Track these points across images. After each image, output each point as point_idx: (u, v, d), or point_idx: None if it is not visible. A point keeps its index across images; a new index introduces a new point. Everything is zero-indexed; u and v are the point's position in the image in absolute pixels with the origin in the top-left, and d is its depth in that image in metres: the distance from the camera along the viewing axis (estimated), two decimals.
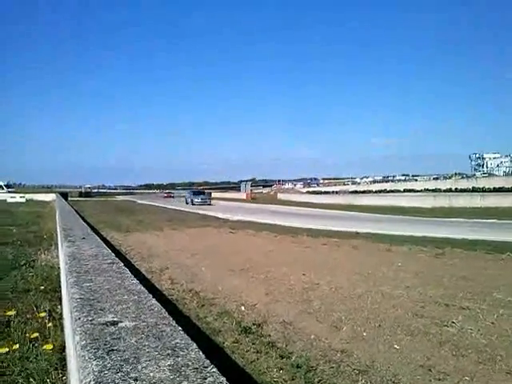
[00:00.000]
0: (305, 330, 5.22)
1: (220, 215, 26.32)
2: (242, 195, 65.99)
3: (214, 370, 1.50)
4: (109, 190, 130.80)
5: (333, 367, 4.12)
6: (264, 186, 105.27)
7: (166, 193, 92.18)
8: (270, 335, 5.03)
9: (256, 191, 75.38)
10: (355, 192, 76.81)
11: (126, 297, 2.41)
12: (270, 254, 11.36)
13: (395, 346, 4.67)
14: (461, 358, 4.36)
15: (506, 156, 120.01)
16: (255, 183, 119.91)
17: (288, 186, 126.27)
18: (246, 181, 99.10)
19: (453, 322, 5.39)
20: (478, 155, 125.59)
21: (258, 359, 4.31)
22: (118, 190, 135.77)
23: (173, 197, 78.87)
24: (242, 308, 6.13)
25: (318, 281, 7.86)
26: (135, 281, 2.79)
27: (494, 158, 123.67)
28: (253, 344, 4.70)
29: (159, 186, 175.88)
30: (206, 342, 4.69)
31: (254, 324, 5.40)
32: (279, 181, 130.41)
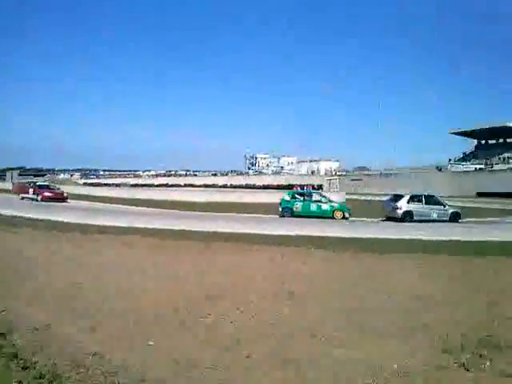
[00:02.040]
0: (57, 334, 4.85)
1: None
2: (8, 186, 57.57)
3: None
4: None
5: (81, 372, 3.91)
6: (35, 176, 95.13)
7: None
8: (14, 345, 4.50)
9: (25, 181, 67.25)
10: (136, 185, 76.21)
11: None
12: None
13: (150, 342, 4.71)
14: (209, 348, 4.62)
15: (275, 157, 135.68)
16: (25, 171, 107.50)
17: (63, 176, 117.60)
18: (13, 169, 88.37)
19: (209, 314, 5.70)
20: (251, 154, 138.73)
21: None
22: None
23: (63, 198, 34.31)
24: None
25: (83, 280, 7.47)
26: None
27: (265, 158, 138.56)
28: None
29: None
30: None
31: None
32: (53, 170, 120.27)
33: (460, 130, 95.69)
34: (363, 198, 50.25)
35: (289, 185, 67.68)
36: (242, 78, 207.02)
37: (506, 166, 73.14)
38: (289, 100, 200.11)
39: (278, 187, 79.63)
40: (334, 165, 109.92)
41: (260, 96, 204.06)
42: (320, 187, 59.27)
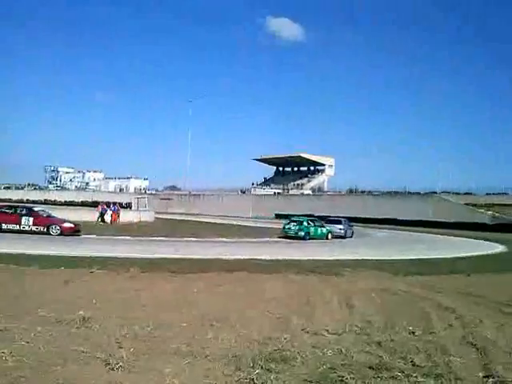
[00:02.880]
0: None
1: None
2: None
3: None
4: None
5: None
6: None
7: None
8: None
9: None
10: None
11: None
12: None
13: None
14: None
15: (79, 172, 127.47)
16: None
17: None
18: None
19: None
20: (52, 168, 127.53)
21: None
22: None
23: None
24: None
25: None
26: None
27: (68, 173, 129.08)
28: None
29: None
30: None
31: None
32: None
33: (261, 158, 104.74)
34: (190, 217, 50.35)
35: (94, 202, 64.34)
36: (45, 84, 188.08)
37: (299, 192, 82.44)
38: (96, 112, 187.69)
39: (83, 204, 75.26)
40: (144, 183, 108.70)
41: (64, 105, 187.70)
42: (128, 205, 57.70)
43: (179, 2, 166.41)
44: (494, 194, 58.10)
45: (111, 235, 22.86)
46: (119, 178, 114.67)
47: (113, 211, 35.56)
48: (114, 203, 40.08)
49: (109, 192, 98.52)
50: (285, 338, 5.66)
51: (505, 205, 51.95)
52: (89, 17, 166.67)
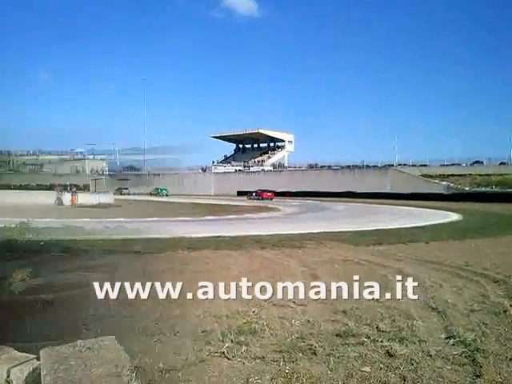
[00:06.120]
0: None
1: None
2: None
3: None
4: None
5: None
6: None
7: None
8: None
9: None
10: None
11: None
12: None
13: None
14: None
15: (33, 154, 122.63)
16: None
17: None
18: None
19: None
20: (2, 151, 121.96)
21: None
22: None
23: None
24: None
25: None
26: None
27: (21, 156, 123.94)
28: None
29: None
30: None
31: None
32: None
33: (220, 135, 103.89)
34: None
35: (50, 185, 62.38)
36: None
37: (260, 168, 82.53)
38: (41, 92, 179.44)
39: (38, 187, 72.67)
40: (101, 164, 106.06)
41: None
42: (86, 187, 56.30)
43: None
44: (447, 165, 59.95)
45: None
46: (74, 160, 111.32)
47: (72, 194, 34.98)
48: (71, 185, 38.90)
49: (64, 174, 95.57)
50: (253, 312, 5.67)
51: (458, 175, 53.90)
52: None
